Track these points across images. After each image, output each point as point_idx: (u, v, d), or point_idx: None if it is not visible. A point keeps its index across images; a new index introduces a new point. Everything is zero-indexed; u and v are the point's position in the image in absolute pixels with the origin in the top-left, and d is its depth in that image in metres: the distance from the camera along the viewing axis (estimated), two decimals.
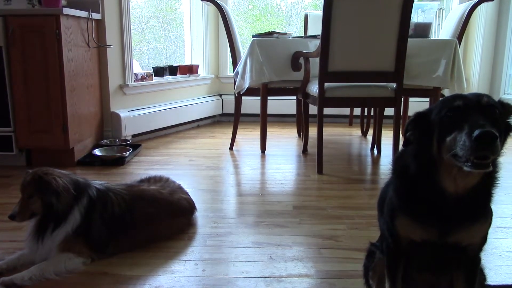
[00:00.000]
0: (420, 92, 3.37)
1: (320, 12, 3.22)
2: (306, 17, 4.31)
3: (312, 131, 3.38)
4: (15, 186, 2.63)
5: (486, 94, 1.03)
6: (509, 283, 1.56)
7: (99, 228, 1.74)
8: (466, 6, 3.47)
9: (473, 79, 4.63)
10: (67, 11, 2.89)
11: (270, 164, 3.21)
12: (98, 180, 1.90)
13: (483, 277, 1.30)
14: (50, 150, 3.06)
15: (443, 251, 1.12)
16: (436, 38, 4.07)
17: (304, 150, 3.50)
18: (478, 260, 1.17)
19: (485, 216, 1.11)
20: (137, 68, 4.20)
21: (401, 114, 3.38)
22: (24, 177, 1.68)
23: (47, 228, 1.67)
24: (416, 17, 3.53)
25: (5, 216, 1.75)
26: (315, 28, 4.12)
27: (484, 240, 1.14)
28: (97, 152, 3.23)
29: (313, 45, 3.27)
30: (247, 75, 3.25)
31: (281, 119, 4.75)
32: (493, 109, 1.00)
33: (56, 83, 2.90)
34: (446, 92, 3.42)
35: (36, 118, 2.95)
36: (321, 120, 2.94)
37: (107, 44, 3.54)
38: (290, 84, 3.43)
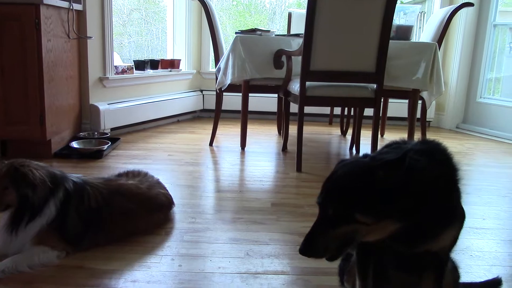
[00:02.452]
0: (399, 94, 3.42)
1: (303, 11, 3.23)
2: (289, 15, 4.32)
3: (292, 129, 3.40)
4: None
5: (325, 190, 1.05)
6: (478, 281, 1.60)
7: (74, 222, 1.72)
8: (447, 10, 3.53)
9: (451, 82, 4.71)
10: (47, 0, 2.84)
11: (250, 161, 3.22)
12: (75, 173, 1.88)
13: (457, 274, 1.32)
14: (26, 141, 3.00)
15: (412, 255, 1.14)
16: (417, 41, 4.13)
17: (284, 148, 3.51)
18: (447, 259, 1.19)
19: (452, 223, 1.11)
20: (118, 61, 4.15)
21: (381, 115, 3.42)
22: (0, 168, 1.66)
23: (22, 221, 1.64)
24: (398, 19, 3.57)
25: None
26: (299, 26, 4.14)
27: (454, 243, 1.15)
28: (74, 144, 3.18)
29: (296, 44, 3.29)
30: (229, 71, 3.24)
31: (262, 116, 4.76)
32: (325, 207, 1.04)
33: (34, 73, 2.85)
34: (425, 95, 3.47)
35: (12, 108, 2.90)
36: (301, 119, 2.96)
37: (87, 35, 3.49)
38: (272, 82, 3.44)
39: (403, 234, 1.04)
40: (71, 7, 3.20)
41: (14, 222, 1.65)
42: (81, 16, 3.45)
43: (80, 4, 3.38)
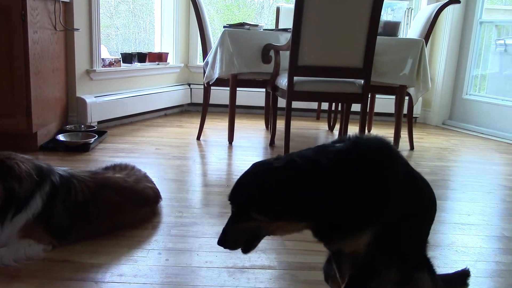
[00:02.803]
0: (386, 90, 3.45)
1: (292, 6, 3.23)
2: (278, 10, 4.32)
3: (280, 124, 3.41)
4: None
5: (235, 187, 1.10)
6: (449, 273, 1.61)
7: (61, 215, 1.71)
8: (434, 7, 3.55)
9: (438, 78, 4.75)
10: None
11: (237, 156, 3.22)
12: (61, 167, 1.87)
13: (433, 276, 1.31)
14: (12, 134, 2.97)
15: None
16: (404, 37, 4.16)
17: (271, 143, 3.52)
18: (367, 262, 1.15)
19: (362, 228, 1.10)
20: (105, 53, 4.12)
21: (368, 111, 3.44)
22: None
23: (7, 214, 1.63)
24: (386, 15, 3.59)
25: None
26: (287, 21, 4.14)
27: (375, 248, 1.12)
28: (61, 137, 3.16)
29: (284, 38, 3.29)
30: (217, 65, 3.24)
31: (250, 111, 4.76)
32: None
33: (20, 65, 2.81)
34: (412, 91, 3.50)
35: None
36: (289, 113, 2.97)
37: (74, 27, 3.45)
38: (260, 76, 3.44)
39: (315, 231, 1.10)
40: None
41: (0, 215, 1.63)
42: (68, 7, 3.41)
43: None
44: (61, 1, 3.25)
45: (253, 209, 1.04)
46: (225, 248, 1.10)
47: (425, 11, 3.71)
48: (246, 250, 1.12)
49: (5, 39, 2.78)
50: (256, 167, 1.11)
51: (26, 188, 1.64)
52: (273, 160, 1.09)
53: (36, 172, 1.67)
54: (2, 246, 1.61)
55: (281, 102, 3.27)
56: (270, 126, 3.76)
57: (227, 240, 1.08)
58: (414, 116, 4.27)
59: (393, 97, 3.79)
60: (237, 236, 1.08)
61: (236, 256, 1.71)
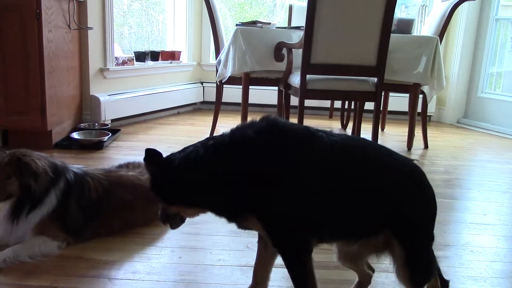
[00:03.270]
0: (400, 88, 3.42)
1: (304, 4, 3.22)
2: (290, 8, 4.30)
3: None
4: None
5: None
6: None
7: (75, 212, 1.73)
8: (449, 4, 3.51)
9: (453, 77, 4.70)
10: None
11: None
12: (75, 164, 1.88)
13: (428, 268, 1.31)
14: (27, 131, 3.00)
15: None
16: (418, 34, 4.12)
17: None
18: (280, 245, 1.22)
19: (244, 216, 1.21)
20: (119, 52, 4.14)
21: (381, 109, 3.42)
22: (2, 158, 1.65)
23: (23, 210, 1.65)
24: (400, 13, 3.56)
25: None
26: (299, 19, 4.12)
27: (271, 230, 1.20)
28: (75, 135, 3.18)
29: (297, 36, 3.28)
30: (230, 63, 3.23)
31: (262, 109, 4.75)
32: None
33: (35, 64, 2.84)
34: (426, 89, 3.47)
35: (13, 99, 2.89)
36: (301, 112, 2.95)
37: (88, 26, 3.48)
38: (272, 75, 3.43)
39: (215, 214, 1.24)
40: None
41: (16, 211, 1.66)
42: (82, 6, 3.44)
43: None
44: (75, 0, 3.28)
45: (160, 197, 1.26)
46: (164, 224, 1.32)
47: (440, 8, 3.67)
48: (171, 227, 1.31)
49: (20, 38, 2.81)
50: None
51: (41, 185, 1.65)
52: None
53: (51, 169, 1.68)
54: (17, 243, 1.63)
55: (294, 100, 3.26)
56: None
57: (161, 217, 1.30)
58: (428, 114, 4.24)
59: (407, 95, 3.76)
60: (161, 214, 1.29)
61: (249, 255, 1.71)
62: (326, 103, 4.73)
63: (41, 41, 2.82)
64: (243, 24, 3.43)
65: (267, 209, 1.17)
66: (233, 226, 1.76)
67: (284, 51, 3.25)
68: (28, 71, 2.86)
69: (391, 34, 2.87)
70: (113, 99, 3.74)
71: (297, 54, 3.18)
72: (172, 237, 1.85)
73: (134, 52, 4.24)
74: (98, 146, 3.13)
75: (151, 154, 1.24)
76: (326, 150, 1.23)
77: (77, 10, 3.36)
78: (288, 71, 3.24)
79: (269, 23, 3.43)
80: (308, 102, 3.00)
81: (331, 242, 1.37)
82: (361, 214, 1.22)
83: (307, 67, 2.87)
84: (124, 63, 3.94)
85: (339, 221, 1.24)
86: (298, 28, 3.41)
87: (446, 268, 1.65)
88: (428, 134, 3.65)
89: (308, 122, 4.33)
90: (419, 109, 3.52)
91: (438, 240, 1.91)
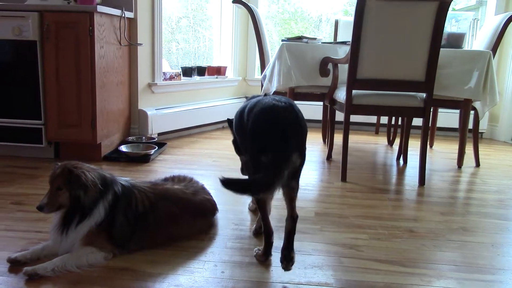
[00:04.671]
0: (450, 103, 3.32)
1: (350, 19, 3.20)
2: (336, 23, 4.28)
3: (337, 138, 3.36)
4: (42, 178, 2.68)
5: None
6: None
7: (122, 224, 1.76)
8: (502, 18, 3.39)
9: (506, 92, 4.52)
10: (101, 8, 2.94)
11: None
12: (123, 177, 1.92)
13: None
14: (78, 144, 3.11)
15: None
16: (469, 49, 4.00)
17: (329, 157, 3.47)
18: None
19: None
20: (166, 67, 4.24)
21: (430, 125, 3.32)
22: (54, 169, 1.71)
23: (72, 221, 1.69)
24: (450, 26, 3.47)
25: (33, 207, 1.78)
26: (345, 34, 4.09)
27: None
28: (123, 148, 3.27)
29: (343, 51, 3.25)
30: (275, 78, 3.24)
31: (307, 124, 4.72)
32: None
33: (87, 79, 2.95)
34: (478, 105, 3.35)
35: (66, 112, 3.01)
36: (347, 127, 2.91)
37: (138, 42, 3.59)
38: (318, 90, 3.42)
39: None
40: (123, 15, 3.30)
41: (65, 222, 1.70)
42: (132, 23, 3.55)
43: (132, 12, 3.49)
44: (126, 17, 3.39)
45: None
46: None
47: (493, 21, 3.55)
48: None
49: (73, 54, 2.93)
50: None
51: (90, 196, 1.70)
52: None
53: (100, 181, 1.73)
54: (66, 252, 1.68)
55: (339, 116, 3.22)
56: (328, 140, 3.71)
57: None
58: (480, 131, 4.08)
59: (457, 111, 3.64)
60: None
61: (292, 272, 1.69)
62: (372, 119, 4.65)
63: (93, 57, 2.93)
64: (289, 39, 3.44)
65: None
66: (275, 242, 1.74)
67: (330, 66, 3.23)
68: (80, 85, 2.97)
69: (441, 49, 2.79)
70: (160, 113, 3.82)
71: (343, 69, 3.15)
72: (215, 251, 1.85)
73: (181, 67, 4.33)
74: (145, 159, 3.19)
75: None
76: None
77: (127, 27, 3.47)
78: (334, 86, 3.21)
79: (315, 38, 3.42)
80: (353, 118, 2.96)
81: None
82: None
83: (353, 82, 2.83)
84: (171, 78, 4.03)
85: None
86: (344, 43, 3.38)
87: None
88: (480, 152, 3.51)
89: (354, 138, 4.28)
90: (470, 126, 3.40)
91: (491, 263, 1.83)
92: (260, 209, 1.80)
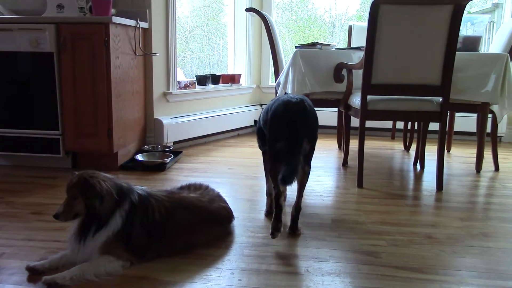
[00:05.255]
0: (467, 107, 3.27)
1: (364, 24, 3.19)
2: (350, 28, 4.27)
3: (353, 144, 3.34)
4: (61, 188, 2.72)
5: None
6: None
7: (139, 233, 1.77)
8: None
9: None
10: (116, 19, 2.98)
11: (310, 176, 3.17)
12: (139, 185, 1.93)
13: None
14: (95, 153, 3.14)
15: None
16: (486, 52, 3.95)
17: (344, 163, 3.45)
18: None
19: None
20: (181, 76, 4.27)
21: (447, 130, 3.28)
22: (71, 179, 1.73)
23: (89, 230, 1.71)
24: (465, 30, 3.44)
25: (50, 216, 1.80)
26: (359, 40, 4.08)
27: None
28: (139, 157, 3.29)
29: (357, 57, 3.24)
30: (289, 85, 3.24)
31: (322, 130, 4.71)
32: None
33: (103, 89, 2.99)
34: (495, 108, 3.30)
35: (83, 122, 3.05)
36: (362, 133, 2.89)
37: (153, 52, 3.62)
38: (332, 96, 3.40)
39: None
40: (138, 25, 3.34)
41: (82, 231, 1.71)
42: (147, 33, 3.59)
43: (146, 22, 3.52)
44: (141, 28, 3.42)
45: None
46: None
47: (509, 24, 3.51)
48: None
49: (89, 64, 2.97)
50: None
51: (106, 206, 1.71)
52: None
53: (116, 191, 1.74)
54: (84, 261, 1.69)
55: (354, 122, 3.20)
56: (343, 146, 3.69)
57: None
58: (498, 135, 4.03)
59: (475, 115, 3.59)
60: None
61: (309, 279, 1.67)
62: (388, 124, 4.61)
63: (109, 67, 2.96)
64: (302, 46, 3.44)
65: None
66: (291, 249, 1.74)
67: (344, 72, 3.22)
68: (96, 96, 3.00)
69: (457, 52, 2.76)
70: (175, 122, 3.84)
71: (357, 74, 3.14)
72: (232, 259, 1.84)
73: (195, 76, 4.36)
74: (160, 167, 3.21)
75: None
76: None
77: (142, 37, 3.51)
78: (349, 92, 3.20)
79: (329, 44, 3.42)
80: (369, 123, 2.94)
81: None
82: None
83: (368, 88, 2.81)
84: (186, 86, 4.06)
85: None
86: (358, 48, 3.37)
87: None
88: (498, 156, 3.46)
89: (369, 143, 4.26)
90: (488, 129, 3.35)
91: None
92: (277, 201, 2.04)
